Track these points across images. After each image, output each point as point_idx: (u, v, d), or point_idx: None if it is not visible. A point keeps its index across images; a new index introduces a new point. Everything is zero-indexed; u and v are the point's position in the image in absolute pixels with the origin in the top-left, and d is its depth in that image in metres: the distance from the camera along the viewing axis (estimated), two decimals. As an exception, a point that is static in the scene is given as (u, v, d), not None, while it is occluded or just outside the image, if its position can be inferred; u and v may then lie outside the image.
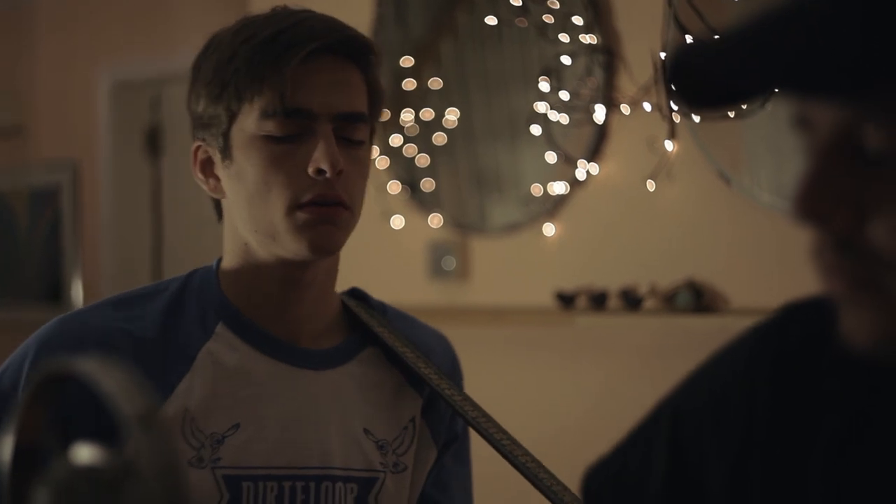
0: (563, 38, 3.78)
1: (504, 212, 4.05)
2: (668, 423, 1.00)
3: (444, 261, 4.11)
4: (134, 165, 5.55)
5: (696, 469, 0.97)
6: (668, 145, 3.59)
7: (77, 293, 5.56)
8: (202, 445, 1.56)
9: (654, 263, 3.70)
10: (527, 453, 1.66)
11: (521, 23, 3.93)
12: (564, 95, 3.77)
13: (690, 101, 0.82)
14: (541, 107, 3.80)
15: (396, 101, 4.12)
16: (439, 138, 4.10)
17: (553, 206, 3.90)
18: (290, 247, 1.56)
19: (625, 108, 3.68)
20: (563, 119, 3.79)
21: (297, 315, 1.64)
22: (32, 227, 5.74)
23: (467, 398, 1.70)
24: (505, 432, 1.68)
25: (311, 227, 1.55)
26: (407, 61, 4.13)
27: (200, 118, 1.61)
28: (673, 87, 0.81)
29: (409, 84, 4.13)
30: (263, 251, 1.59)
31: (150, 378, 1.55)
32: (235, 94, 1.57)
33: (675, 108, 3.51)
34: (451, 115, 4.07)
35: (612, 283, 3.73)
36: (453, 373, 1.76)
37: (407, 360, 1.68)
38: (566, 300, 3.78)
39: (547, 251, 3.93)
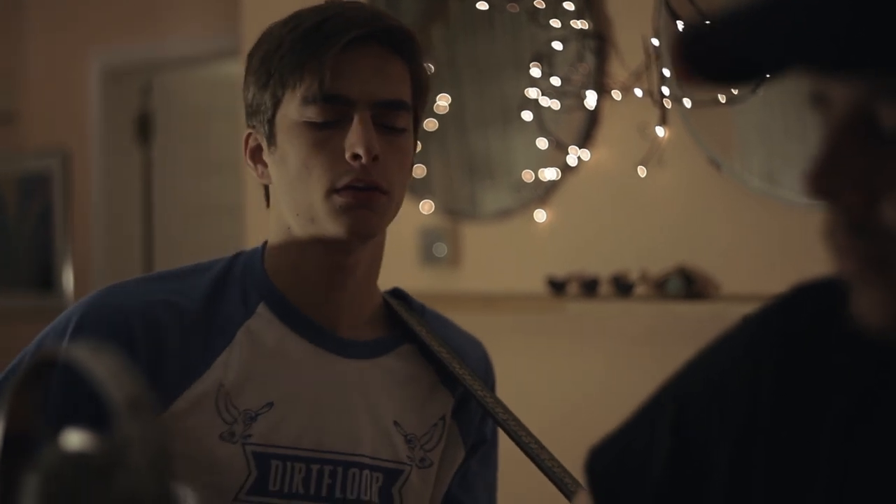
0: (555, 23, 3.77)
1: (495, 198, 4.05)
2: (671, 405, 1.00)
3: (436, 247, 4.11)
4: (125, 152, 5.54)
5: (698, 452, 0.97)
6: (660, 131, 3.59)
7: (67, 280, 5.56)
8: (235, 421, 1.58)
9: (645, 249, 3.70)
10: (553, 458, 1.68)
11: (513, 8, 3.92)
12: (556, 81, 3.76)
13: (703, 79, 0.81)
14: (532, 92, 3.80)
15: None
16: (430, 124, 4.09)
17: (544, 193, 3.90)
18: (329, 229, 1.59)
19: (616, 94, 3.67)
20: (555, 105, 3.78)
21: (337, 301, 1.66)
22: (22, 215, 5.73)
23: (499, 401, 1.72)
24: (533, 436, 1.69)
25: (348, 211, 1.58)
26: (398, 47, 4.12)
27: (250, 106, 1.65)
28: (685, 65, 0.80)
29: (400, 70, 4.12)
30: (305, 234, 1.62)
31: (190, 351, 1.58)
32: (279, 81, 1.60)
33: (666, 93, 3.51)
34: (443, 101, 4.07)
35: (604, 269, 3.73)
36: (486, 377, 1.78)
37: (442, 359, 1.70)
38: (557, 286, 3.78)
39: (538, 237, 3.93)
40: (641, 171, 3.61)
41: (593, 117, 3.78)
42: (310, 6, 1.65)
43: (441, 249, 4.10)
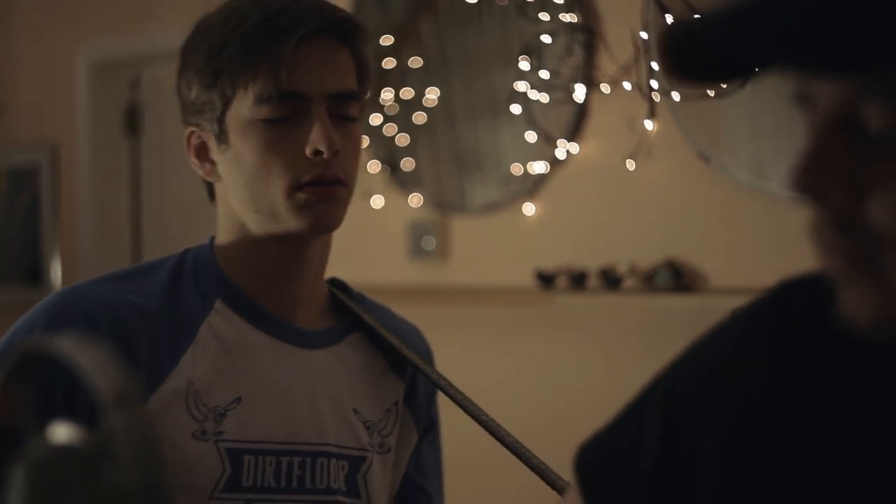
0: (544, 16, 3.77)
1: (484, 191, 4.05)
2: (660, 401, 1.00)
3: (424, 240, 4.11)
4: (113, 145, 5.53)
5: (687, 447, 0.97)
6: (648, 124, 3.59)
7: (56, 273, 5.55)
8: (205, 418, 1.58)
9: (633, 243, 3.70)
10: (510, 434, 1.69)
11: (502, 2, 3.92)
12: (545, 74, 3.76)
13: (689, 75, 0.81)
14: (521, 86, 3.80)
15: (376, 80, 4.12)
16: (419, 117, 4.09)
17: (533, 186, 3.90)
18: (292, 225, 1.59)
19: (605, 88, 3.68)
20: (544, 98, 3.78)
21: (294, 293, 1.66)
22: (11, 208, 5.72)
23: (450, 382, 1.72)
24: (487, 414, 1.70)
25: (312, 207, 1.58)
26: (387, 40, 4.12)
27: (193, 104, 1.64)
28: (671, 61, 0.80)
29: (389, 63, 4.12)
30: (262, 231, 1.62)
31: (157, 350, 1.58)
32: (230, 81, 1.59)
33: (654, 87, 3.51)
34: (432, 95, 4.07)
35: (592, 262, 3.74)
36: (429, 360, 1.79)
37: (394, 345, 1.71)
38: (546, 279, 3.78)
39: (527, 231, 3.93)
40: (630, 165, 3.62)
41: (582, 111, 3.78)
42: None
43: (430, 243, 4.10)
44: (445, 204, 4.10)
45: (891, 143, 0.76)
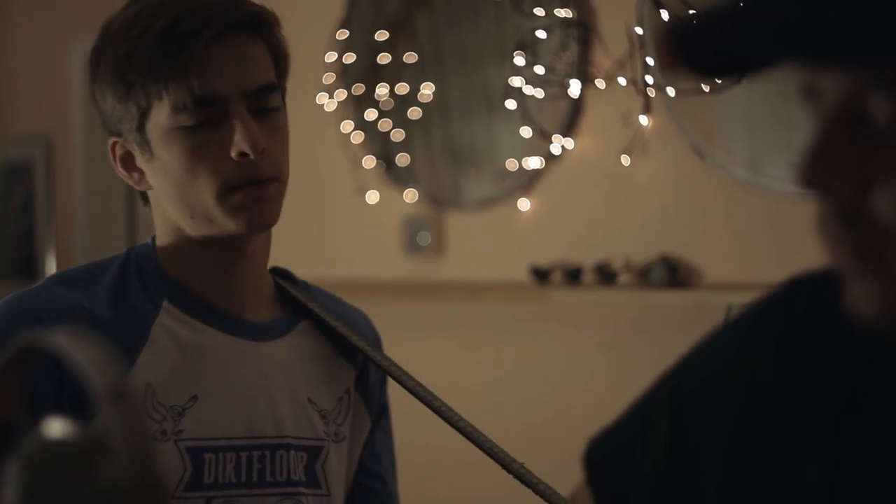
0: (539, 12, 3.77)
1: (479, 187, 4.04)
2: (667, 398, 1.00)
3: (420, 236, 4.10)
4: (107, 141, 5.52)
5: (695, 445, 0.96)
6: (643, 120, 3.59)
7: (50, 269, 5.54)
8: (164, 418, 1.58)
9: (628, 238, 3.70)
10: (463, 419, 1.70)
11: (497, -3, 3.92)
12: (539, 70, 3.76)
13: (692, 70, 0.81)
14: (516, 81, 3.79)
15: (371, 75, 4.11)
16: (414, 113, 4.08)
17: (528, 181, 3.90)
18: (229, 227, 1.58)
19: (600, 83, 3.67)
20: (538, 93, 3.78)
21: (240, 288, 1.66)
22: (5, 203, 5.71)
23: (401, 368, 1.73)
24: (439, 399, 1.71)
25: (247, 208, 1.57)
26: (382, 35, 4.11)
27: (111, 115, 1.62)
28: (674, 56, 0.80)
29: (383, 58, 4.11)
30: (200, 234, 1.61)
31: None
32: (143, 92, 1.57)
33: (650, 82, 3.51)
34: (427, 90, 4.06)
35: (587, 257, 3.73)
36: (377, 346, 1.79)
37: (341, 332, 1.70)
38: (541, 275, 3.78)
39: (522, 226, 3.93)
40: (625, 160, 3.61)
41: (577, 106, 3.78)
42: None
43: (425, 238, 4.09)
44: (440, 199, 4.10)
45: (895, 135, 0.76)
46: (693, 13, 0.82)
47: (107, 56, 1.60)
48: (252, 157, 1.55)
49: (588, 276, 3.73)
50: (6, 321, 1.56)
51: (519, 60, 3.77)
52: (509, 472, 1.66)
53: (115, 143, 1.64)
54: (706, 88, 3.40)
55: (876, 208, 0.76)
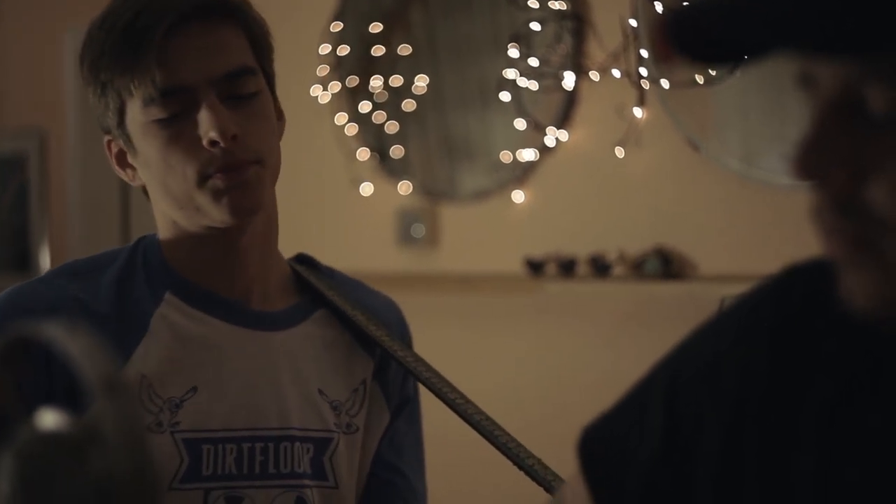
0: (533, 4, 3.76)
1: (473, 179, 4.04)
2: (663, 388, 0.99)
3: (414, 228, 4.10)
4: (102, 133, 5.51)
5: (689, 435, 0.96)
6: (637, 112, 3.59)
7: (45, 261, 5.53)
8: (160, 410, 1.56)
9: (622, 230, 3.70)
10: (480, 411, 1.67)
11: (491, -11, 3.91)
12: (534, 62, 3.76)
13: (689, 59, 0.81)
14: (510, 73, 3.79)
15: (365, 67, 4.11)
16: (409, 105, 4.08)
17: (522, 173, 3.90)
18: (214, 215, 1.57)
19: (594, 75, 3.67)
20: (533, 86, 3.78)
21: (243, 277, 1.64)
22: (-1, 196, 5.70)
23: (420, 359, 1.70)
24: (458, 391, 1.68)
25: (226, 193, 1.55)
26: (376, 27, 4.11)
27: (97, 115, 1.63)
28: (671, 45, 0.80)
29: (378, 50, 4.11)
30: (194, 225, 1.60)
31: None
32: (114, 90, 1.57)
33: (644, 74, 3.51)
34: (421, 82, 4.06)
35: (581, 249, 3.73)
36: (403, 336, 1.76)
37: (358, 323, 1.68)
38: (535, 267, 3.78)
39: (516, 218, 3.93)
40: (619, 152, 3.61)
41: (571, 98, 3.78)
42: None
43: (419, 230, 4.09)
44: (434, 191, 4.10)
45: (892, 126, 0.75)
46: (688, 3, 0.81)
47: (86, 56, 1.61)
48: (222, 144, 1.53)
49: (582, 268, 3.73)
50: (2, 311, 1.56)
51: (513, 52, 3.76)
52: (521, 468, 1.62)
53: (109, 141, 1.64)
54: (700, 80, 3.40)
55: (872, 199, 0.76)
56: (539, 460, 1.61)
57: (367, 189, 4.12)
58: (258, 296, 1.65)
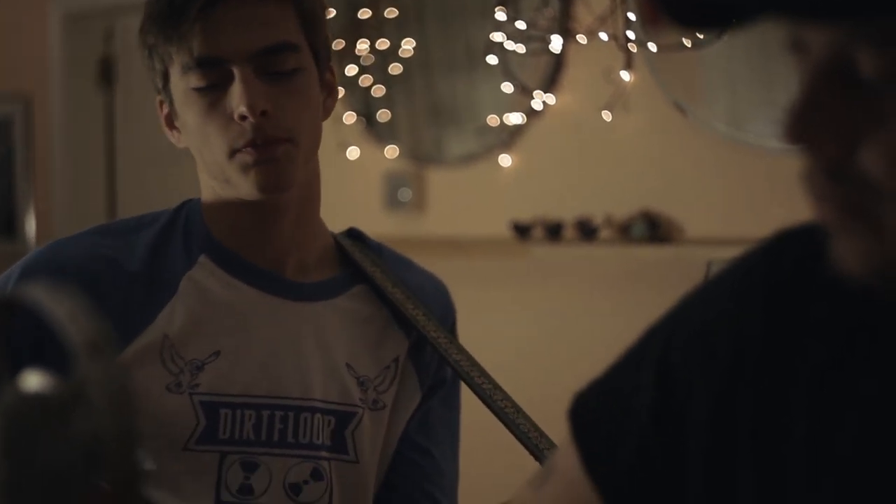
0: (520, -33, 3.75)
1: (460, 143, 4.04)
2: (655, 352, 0.99)
3: (401, 192, 4.10)
4: (87, 98, 5.49)
5: (681, 400, 0.96)
6: (625, 75, 3.58)
7: (30, 226, 5.53)
8: (181, 371, 1.56)
9: (609, 194, 3.70)
10: (507, 398, 1.66)
11: (477, -48, 3.90)
12: (521, 25, 3.74)
13: (679, 22, 0.80)
14: (497, 37, 3.78)
15: (352, 30, 4.09)
16: (395, 68, 4.07)
17: (509, 137, 3.89)
18: (242, 188, 1.57)
19: (581, 38, 3.66)
20: (520, 49, 3.77)
21: (279, 246, 1.64)
22: (-16, 160, 5.68)
23: (454, 342, 1.69)
24: (488, 377, 1.67)
25: (254, 167, 1.55)
26: (362, -9, 4.09)
27: (150, 76, 1.63)
28: (660, 8, 0.79)
29: (364, 13, 4.09)
30: (227, 194, 1.60)
31: (131, 307, 1.56)
32: (158, 55, 1.58)
33: (631, 38, 3.50)
34: (408, 45, 4.05)
35: (568, 213, 3.74)
36: (445, 317, 1.74)
37: (395, 300, 1.67)
38: (522, 231, 3.78)
39: (503, 182, 3.93)
40: (606, 116, 3.61)
41: (558, 61, 3.77)
42: None
43: (406, 194, 4.09)
44: (421, 155, 4.09)
45: (883, 91, 0.75)
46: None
47: (143, 18, 1.61)
48: (252, 119, 1.53)
49: (569, 232, 3.73)
50: (29, 267, 1.57)
51: (500, 16, 3.75)
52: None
53: (161, 102, 1.65)
54: (688, 44, 3.39)
55: (863, 164, 0.76)
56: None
57: (353, 153, 4.12)
58: (293, 266, 1.65)
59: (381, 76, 4.09)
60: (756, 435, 0.91)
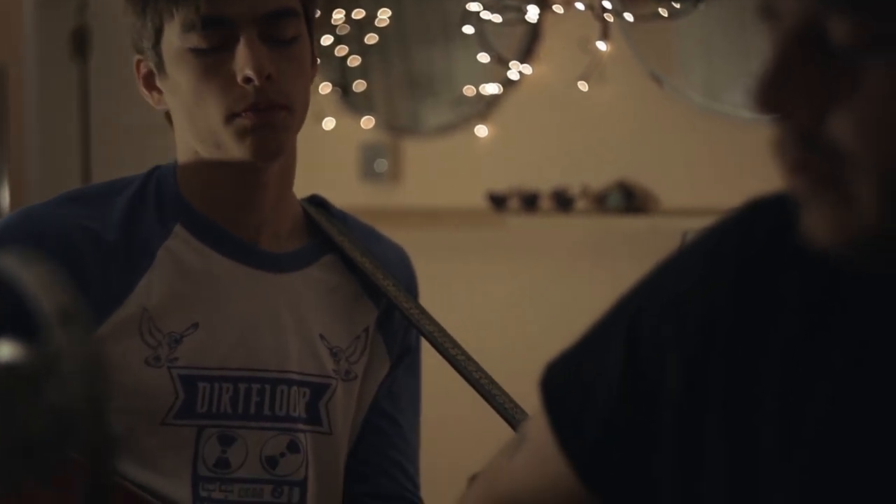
0: (496, -64, 3.74)
1: (436, 113, 4.03)
2: (626, 323, 0.98)
3: (377, 163, 4.09)
4: (61, 69, 5.46)
5: (651, 371, 0.96)
6: (601, 46, 3.58)
7: (3, 198, 5.50)
8: (159, 344, 1.55)
9: (585, 164, 3.70)
10: (480, 369, 1.66)
11: (454, -79, 3.88)
12: (497, -5, 3.73)
13: None
14: (473, 6, 3.76)
15: (327, 0, 4.07)
16: (371, 38, 4.06)
17: (485, 108, 3.89)
18: (235, 152, 1.55)
19: (558, 8, 3.65)
20: (496, 19, 3.75)
21: (257, 216, 1.62)
22: (-43, 131, 5.65)
23: (424, 312, 1.69)
24: (460, 347, 1.67)
25: (252, 133, 1.53)
26: (338, -40, 4.07)
27: (133, 32, 1.60)
28: None
29: (340, -17, 4.08)
30: (212, 157, 1.58)
31: (110, 277, 1.54)
32: (155, 10, 1.55)
33: (607, 7, 3.49)
34: (384, 15, 4.03)
35: (544, 184, 3.74)
36: (410, 286, 1.74)
37: (365, 270, 1.67)
38: (498, 201, 3.78)
39: (479, 152, 3.92)
40: (583, 86, 3.61)
41: (535, 32, 3.76)
42: None
43: (382, 165, 4.08)
44: (397, 126, 4.08)
45: (854, 58, 0.75)
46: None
47: None
48: (257, 82, 1.51)
49: (545, 202, 3.73)
50: (8, 235, 1.55)
51: (476, -15, 3.74)
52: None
53: (139, 61, 1.62)
54: (664, 14, 3.39)
55: (833, 132, 0.76)
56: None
57: (329, 124, 4.10)
58: (268, 236, 1.64)
59: (357, 46, 4.08)
60: (727, 406, 0.91)
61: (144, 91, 1.63)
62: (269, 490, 1.60)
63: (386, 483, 1.71)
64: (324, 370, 1.63)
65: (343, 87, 4.11)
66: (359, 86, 4.10)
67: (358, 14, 4.06)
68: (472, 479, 1.16)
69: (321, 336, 1.64)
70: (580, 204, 3.68)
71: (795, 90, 0.76)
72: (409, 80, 4.09)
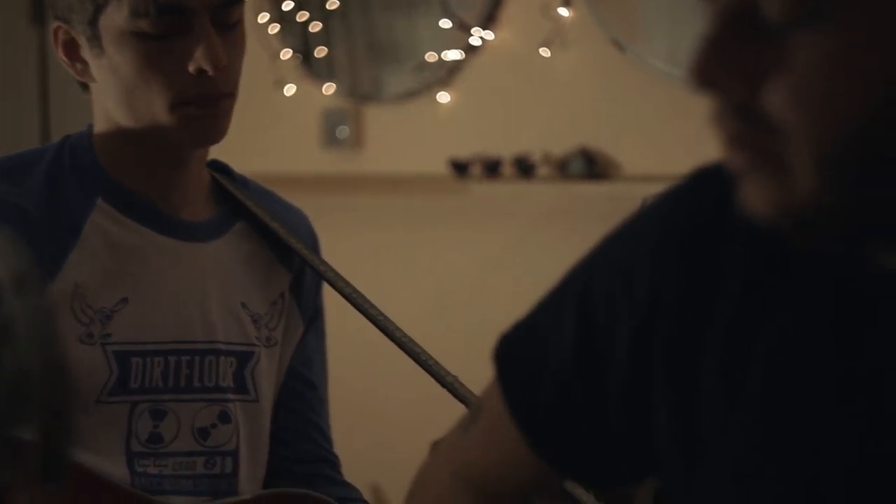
0: None
1: (398, 80, 4.02)
2: (577, 292, 0.99)
3: (338, 130, 4.08)
4: (19, 33, 5.41)
5: (602, 338, 0.96)
6: (563, 12, 3.57)
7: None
8: (91, 321, 1.54)
9: (547, 131, 3.70)
10: (399, 329, 1.68)
11: None
12: (459, -39, 3.72)
13: None
14: (435, -28, 3.75)
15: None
16: (332, 4, 4.03)
17: (447, 74, 3.88)
18: (176, 138, 1.54)
19: (519, -26, 3.65)
20: (458, -15, 3.74)
21: (180, 188, 1.62)
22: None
23: (339, 275, 1.69)
24: (377, 308, 1.68)
25: (198, 121, 1.53)
26: (299, -76, 4.05)
27: (61, 2, 1.56)
28: None
29: (300, -52, 4.05)
30: (146, 139, 1.56)
31: (38, 252, 1.52)
32: None
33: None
34: (345, -19, 4.01)
35: (506, 150, 3.73)
36: (314, 246, 1.75)
37: (279, 235, 1.66)
38: (460, 168, 3.78)
39: (441, 119, 3.92)
40: (545, 53, 3.60)
41: (497, -3, 3.75)
42: None
43: (344, 132, 4.07)
44: (359, 93, 4.07)
45: (785, 32, 0.75)
46: None
47: None
48: (212, 73, 1.51)
49: (507, 169, 3.73)
50: None
51: (438, -49, 3.72)
52: (442, 384, 1.64)
53: (57, 29, 1.58)
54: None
55: (768, 105, 0.77)
56: (457, 378, 1.63)
57: (290, 90, 4.08)
58: (187, 205, 1.63)
59: (319, 12, 4.05)
60: (672, 371, 0.92)
61: (64, 59, 1.59)
62: (202, 462, 1.60)
63: (308, 447, 1.73)
64: (248, 338, 1.63)
65: (304, 53, 4.08)
66: (320, 52, 4.08)
67: (319, -21, 4.04)
68: (435, 444, 1.17)
69: (243, 304, 1.64)
70: (542, 170, 3.68)
71: (730, 65, 0.78)
72: (370, 46, 4.08)
